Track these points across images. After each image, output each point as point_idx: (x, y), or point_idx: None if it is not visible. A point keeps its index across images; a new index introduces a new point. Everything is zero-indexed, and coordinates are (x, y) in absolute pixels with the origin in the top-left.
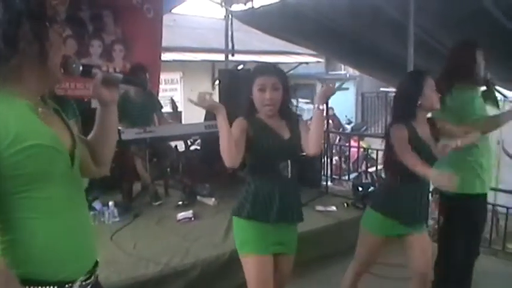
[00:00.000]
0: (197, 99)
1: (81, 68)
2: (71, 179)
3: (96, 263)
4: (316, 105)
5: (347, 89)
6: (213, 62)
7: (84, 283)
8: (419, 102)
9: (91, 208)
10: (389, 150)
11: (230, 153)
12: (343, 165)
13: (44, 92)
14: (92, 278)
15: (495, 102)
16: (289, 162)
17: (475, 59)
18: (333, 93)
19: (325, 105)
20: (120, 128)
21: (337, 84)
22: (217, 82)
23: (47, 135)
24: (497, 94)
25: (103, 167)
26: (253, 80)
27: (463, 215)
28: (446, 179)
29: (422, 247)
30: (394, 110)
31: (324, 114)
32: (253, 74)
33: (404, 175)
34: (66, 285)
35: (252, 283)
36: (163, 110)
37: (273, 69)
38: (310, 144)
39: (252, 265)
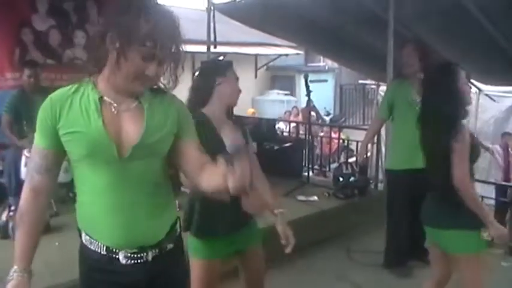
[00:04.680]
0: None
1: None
2: (117, 168)
3: (155, 245)
4: None
5: (326, 80)
6: (193, 53)
7: (131, 255)
8: None
9: None
10: None
11: None
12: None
13: (122, 92)
14: (145, 254)
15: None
16: None
17: (402, 56)
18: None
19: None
20: None
21: None
22: (197, 73)
23: (93, 126)
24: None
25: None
26: None
27: None
28: None
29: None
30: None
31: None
32: None
33: None
34: (114, 249)
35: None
36: None
37: None
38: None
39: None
